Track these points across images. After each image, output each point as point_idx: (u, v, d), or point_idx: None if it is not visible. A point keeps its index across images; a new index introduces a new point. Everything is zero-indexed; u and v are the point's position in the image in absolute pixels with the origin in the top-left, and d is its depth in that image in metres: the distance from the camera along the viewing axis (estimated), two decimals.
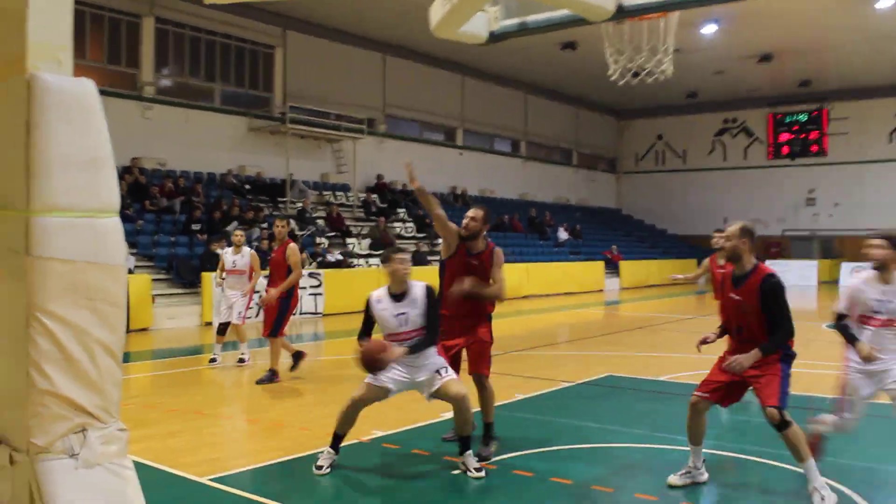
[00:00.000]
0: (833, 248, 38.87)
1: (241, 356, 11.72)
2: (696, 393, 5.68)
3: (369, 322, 6.22)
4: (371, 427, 7.62)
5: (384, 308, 6.11)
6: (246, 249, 11.66)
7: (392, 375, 6.09)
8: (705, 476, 5.88)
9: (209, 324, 15.41)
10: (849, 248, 37.91)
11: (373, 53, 29.94)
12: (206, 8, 23.26)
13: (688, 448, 5.94)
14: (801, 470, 5.50)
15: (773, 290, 5.38)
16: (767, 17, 26.75)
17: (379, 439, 7.21)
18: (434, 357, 6.18)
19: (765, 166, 40.43)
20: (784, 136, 40.01)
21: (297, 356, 10.70)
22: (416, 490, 5.86)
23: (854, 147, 38.60)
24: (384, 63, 30.42)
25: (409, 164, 6.44)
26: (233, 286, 11.55)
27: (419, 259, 24.54)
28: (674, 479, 5.80)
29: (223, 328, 11.64)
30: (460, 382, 6.10)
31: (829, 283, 35.28)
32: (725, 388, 5.60)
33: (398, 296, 6.13)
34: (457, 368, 6.44)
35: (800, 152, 39.69)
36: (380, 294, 6.17)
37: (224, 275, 11.62)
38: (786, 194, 39.64)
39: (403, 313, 6.08)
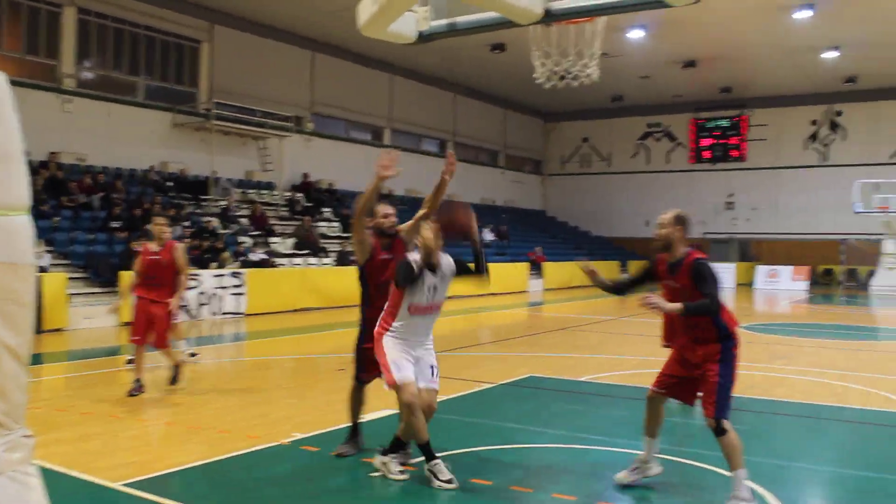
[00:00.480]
0: (750, 252, 39.93)
1: (190, 352, 11.69)
2: (651, 387, 5.76)
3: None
4: (290, 429, 7.54)
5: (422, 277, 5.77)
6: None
7: (408, 363, 5.85)
8: (655, 470, 5.87)
9: (128, 323, 15.12)
10: (765, 252, 39.49)
11: (301, 50, 29.65)
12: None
13: (607, 448, 6.06)
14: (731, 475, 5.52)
15: (700, 268, 5.38)
16: (691, 25, 27.24)
17: (298, 441, 7.12)
18: (431, 344, 6.08)
19: (687, 170, 41.35)
20: (706, 141, 40.94)
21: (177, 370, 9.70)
22: (334, 493, 5.81)
23: (772, 153, 39.77)
24: (313, 60, 30.15)
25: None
26: None
27: (343, 259, 24.39)
28: (622, 476, 5.80)
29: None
30: (436, 394, 5.97)
31: (746, 285, 36.09)
32: (678, 383, 5.63)
33: (432, 267, 5.92)
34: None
35: (720, 157, 40.59)
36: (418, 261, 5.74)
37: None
38: (706, 198, 40.32)
39: (435, 287, 5.91)
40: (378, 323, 5.97)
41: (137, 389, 9.21)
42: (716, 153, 40.56)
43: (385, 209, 6.59)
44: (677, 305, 5.33)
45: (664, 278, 5.63)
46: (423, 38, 7.39)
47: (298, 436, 7.28)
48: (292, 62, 29.33)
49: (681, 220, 5.60)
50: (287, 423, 7.91)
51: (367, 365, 6.27)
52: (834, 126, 38.59)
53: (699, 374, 5.45)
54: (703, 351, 5.41)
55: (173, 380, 9.62)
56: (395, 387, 5.73)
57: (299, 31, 28.78)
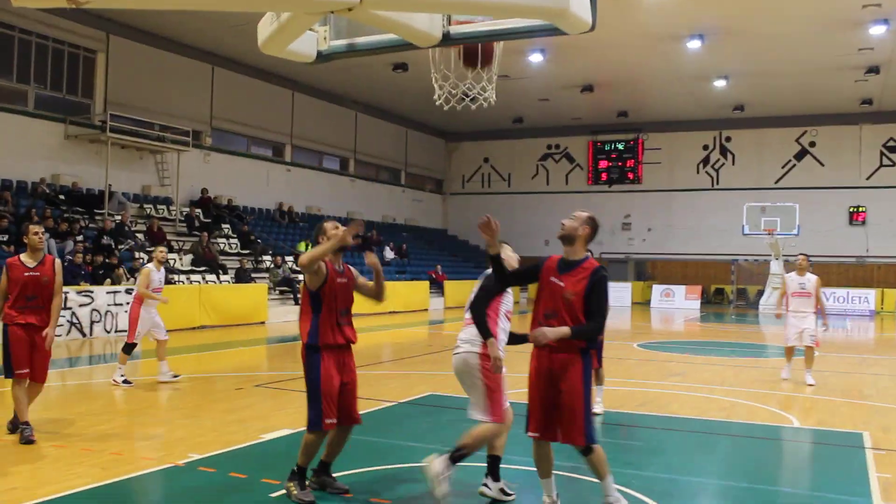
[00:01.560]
0: (646, 271, 40.91)
1: (173, 374, 11.66)
2: (529, 433, 5.42)
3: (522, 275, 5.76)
4: (186, 450, 7.37)
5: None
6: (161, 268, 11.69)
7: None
8: None
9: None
10: (660, 271, 40.61)
11: (201, 64, 29.13)
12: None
13: (504, 466, 6.06)
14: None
15: (601, 283, 5.26)
16: (589, 50, 27.73)
17: (194, 462, 6.96)
18: None
19: (585, 191, 41.89)
20: (603, 164, 41.69)
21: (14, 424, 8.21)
22: None
23: (666, 176, 40.83)
24: (212, 74, 29.70)
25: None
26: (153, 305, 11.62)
27: (242, 276, 24.01)
28: None
29: (132, 347, 11.51)
30: None
31: (642, 304, 37.16)
32: (545, 419, 5.32)
33: None
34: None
35: (617, 179, 41.40)
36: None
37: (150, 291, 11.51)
38: (603, 219, 38.98)
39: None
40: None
41: (31, 435, 7.79)
42: (612, 175, 41.35)
43: (334, 223, 6.38)
44: (564, 331, 5.11)
45: (550, 276, 5.34)
46: (323, 57, 7.37)
47: (195, 456, 7.11)
48: (192, 75, 28.77)
49: (592, 223, 5.48)
50: (183, 443, 7.72)
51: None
52: (724, 151, 39.83)
53: (561, 391, 5.19)
54: (560, 358, 5.22)
55: (12, 427, 8.14)
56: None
57: (199, 45, 28.33)
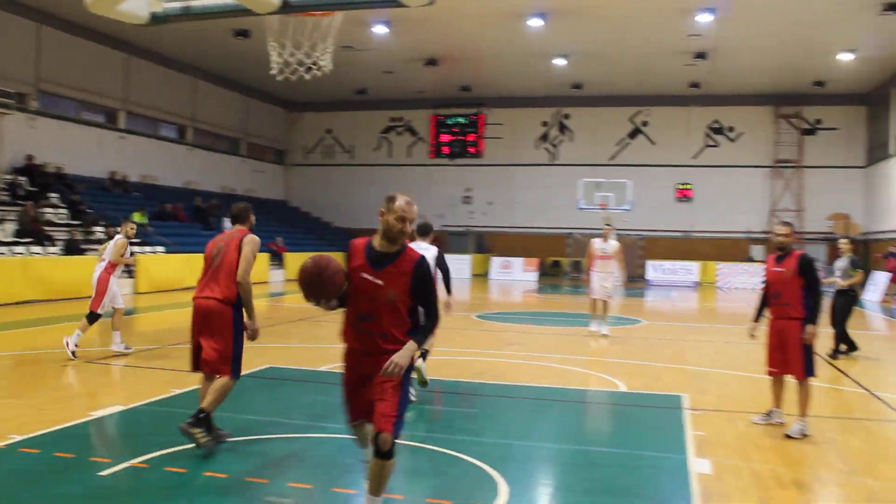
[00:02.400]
0: (485, 244, 41.32)
1: (125, 347, 11.75)
2: (349, 423, 4.86)
3: None
4: (7, 431, 6.99)
5: None
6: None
7: None
8: None
9: None
10: (499, 244, 41.13)
11: (25, 21, 27.28)
12: None
13: (343, 436, 6.12)
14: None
15: (428, 274, 4.57)
16: (433, 24, 27.80)
17: (16, 444, 6.63)
18: None
19: (427, 164, 42.11)
20: (445, 137, 41.85)
21: None
22: (58, 497, 5.40)
23: (507, 151, 41.35)
24: (38, 33, 27.93)
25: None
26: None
27: (71, 248, 22.92)
28: None
29: (97, 317, 11.59)
30: None
31: (481, 275, 37.77)
32: (366, 403, 4.62)
33: None
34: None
35: (459, 153, 41.69)
36: None
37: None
38: (445, 192, 41.39)
39: None
40: None
41: None
42: (454, 149, 41.58)
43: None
44: (411, 349, 4.51)
45: (363, 272, 4.58)
46: (156, 19, 7.09)
47: (16, 438, 6.77)
48: (15, 33, 26.74)
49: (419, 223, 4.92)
50: (3, 424, 7.28)
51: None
52: (562, 128, 40.57)
53: (376, 383, 4.51)
54: (376, 362, 4.51)
55: None
56: None
57: (23, 0, 26.48)
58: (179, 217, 30.90)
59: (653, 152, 39.57)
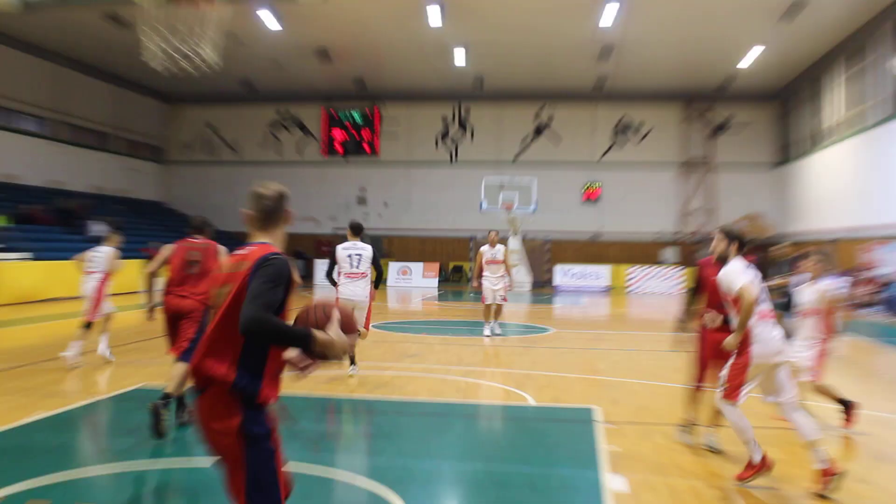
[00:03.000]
0: (382, 248, 40.25)
1: (110, 353, 12.62)
2: None
3: None
4: None
5: None
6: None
7: None
8: None
9: None
10: (397, 248, 40.77)
11: None
12: None
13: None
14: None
15: (273, 264, 3.70)
16: (326, 16, 27.48)
17: None
18: None
19: (319, 163, 41.64)
20: (338, 134, 41.44)
21: None
22: None
23: (404, 149, 41.21)
24: None
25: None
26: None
27: None
28: None
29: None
30: None
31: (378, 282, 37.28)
32: None
33: None
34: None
35: (353, 151, 41.32)
36: None
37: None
38: (339, 192, 41.20)
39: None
40: None
41: None
42: (348, 147, 41.22)
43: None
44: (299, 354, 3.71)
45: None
46: (29, 6, 6.74)
47: None
48: None
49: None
50: None
51: None
52: (463, 125, 40.61)
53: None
54: (219, 425, 3.58)
55: None
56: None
57: None
58: (42, 220, 29.51)
59: (559, 151, 39.91)
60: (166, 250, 8.59)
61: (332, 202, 40.83)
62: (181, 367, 7.89)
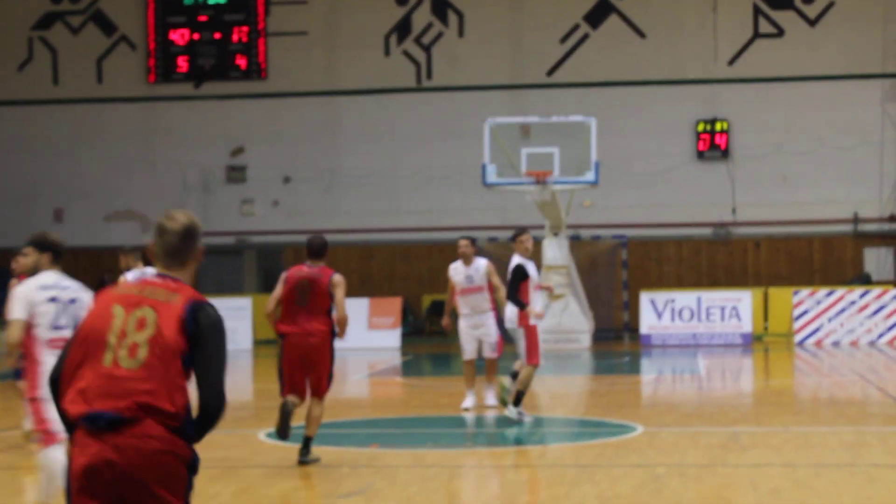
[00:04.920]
0: (282, 270, 33.68)
1: None
2: None
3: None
4: None
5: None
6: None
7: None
8: None
9: None
10: None
11: None
12: None
13: None
14: None
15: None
16: None
17: None
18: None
19: (142, 99, 37.24)
20: (180, 37, 36.85)
21: None
22: None
23: (320, 61, 36.74)
24: None
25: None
26: None
27: None
28: None
29: None
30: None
31: (275, 342, 31.44)
32: None
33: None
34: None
35: (214, 73, 37.02)
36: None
37: None
38: (185, 158, 36.22)
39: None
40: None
41: None
42: (204, 65, 36.68)
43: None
44: None
45: None
46: None
47: None
48: None
49: None
50: None
51: None
52: (442, 11, 36.40)
53: None
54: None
55: None
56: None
57: None
58: None
59: (641, 57, 35.72)
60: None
61: (172, 178, 35.85)
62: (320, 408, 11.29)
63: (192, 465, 4.34)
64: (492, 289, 15.94)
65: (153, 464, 4.25)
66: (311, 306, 10.73)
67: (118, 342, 4.23)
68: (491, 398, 16.24)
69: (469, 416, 16.25)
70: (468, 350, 16.17)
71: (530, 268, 15.45)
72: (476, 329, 16.03)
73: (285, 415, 10.86)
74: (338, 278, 10.77)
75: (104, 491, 4.26)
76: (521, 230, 15.78)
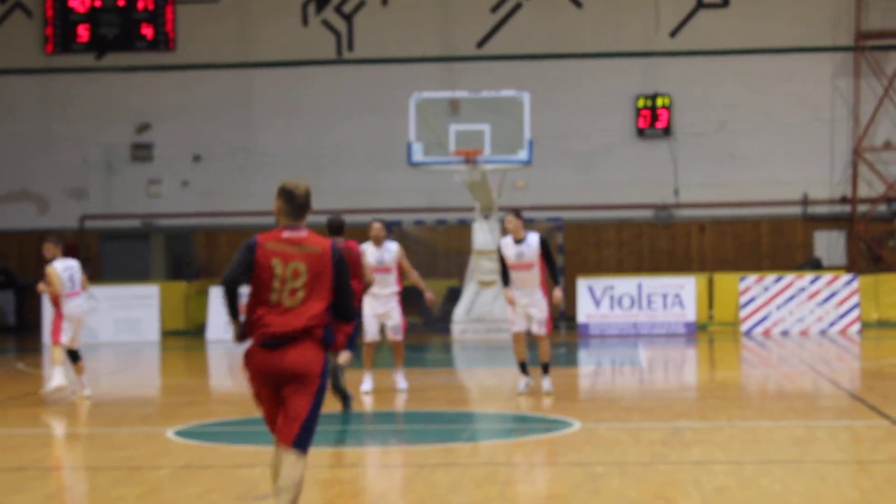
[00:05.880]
0: (192, 256, 38.08)
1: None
2: None
3: None
4: None
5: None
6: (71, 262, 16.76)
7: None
8: None
9: None
10: (224, 254, 36.88)
11: None
12: None
13: None
14: None
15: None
16: None
17: None
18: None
19: (38, 71, 37.23)
20: (81, 8, 36.39)
21: None
22: None
23: (232, 31, 36.68)
24: None
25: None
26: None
27: None
28: None
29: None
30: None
31: (187, 333, 33.53)
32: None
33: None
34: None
35: (117, 43, 36.53)
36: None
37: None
38: (86, 136, 36.00)
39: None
40: None
41: None
42: (103, 33, 36.21)
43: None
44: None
45: None
46: None
47: None
48: None
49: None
50: None
51: None
52: None
53: None
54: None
55: None
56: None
57: None
58: None
59: (577, 26, 35.95)
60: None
61: (72, 157, 35.85)
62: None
63: (326, 361, 7.02)
64: (403, 270, 16.59)
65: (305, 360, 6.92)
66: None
67: (281, 286, 6.87)
68: (402, 382, 16.89)
69: (386, 411, 16.20)
70: (370, 330, 16.65)
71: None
72: (378, 309, 16.53)
73: (334, 377, 13.65)
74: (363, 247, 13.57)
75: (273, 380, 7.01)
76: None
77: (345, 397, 14.09)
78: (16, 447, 12.81)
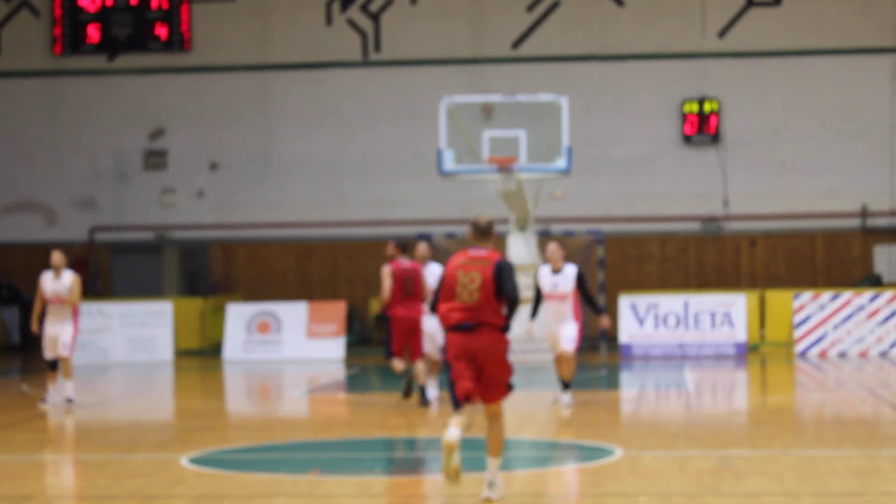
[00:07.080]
0: (207, 271, 38.17)
1: (68, 396, 18.46)
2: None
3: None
4: None
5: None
6: (67, 273, 18.35)
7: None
8: None
9: None
10: (244, 271, 38.10)
11: None
12: None
13: None
14: None
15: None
16: None
17: None
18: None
19: (45, 73, 37.21)
20: (91, 4, 36.39)
21: None
22: None
23: (252, 33, 36.82)
24: None
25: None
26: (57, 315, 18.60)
27: None
28: None
29: (54, 364, 18.55)
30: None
31: (201, 353, 33.27)
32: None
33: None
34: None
35: (130, 44, 36.34)
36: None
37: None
38: (98, 142, 36.18)
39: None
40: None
41: None
42: (116, 34, 36.20)
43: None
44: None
45: None
46: None
47: None
48: None
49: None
50: None
51: None
52: None
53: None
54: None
55: None
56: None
57: None
58: None
59: (619, 27, 35.85)
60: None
61: (81, 165, 36.01)
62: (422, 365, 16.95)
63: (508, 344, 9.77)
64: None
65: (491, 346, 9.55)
66: None
67: (462, 289, 9.44)
68: (433, 392, 17.99)
69: (422, 438, 16.09)
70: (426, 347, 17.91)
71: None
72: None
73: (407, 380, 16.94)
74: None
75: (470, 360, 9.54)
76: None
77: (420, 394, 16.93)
78: (21, 474, 12.72)
